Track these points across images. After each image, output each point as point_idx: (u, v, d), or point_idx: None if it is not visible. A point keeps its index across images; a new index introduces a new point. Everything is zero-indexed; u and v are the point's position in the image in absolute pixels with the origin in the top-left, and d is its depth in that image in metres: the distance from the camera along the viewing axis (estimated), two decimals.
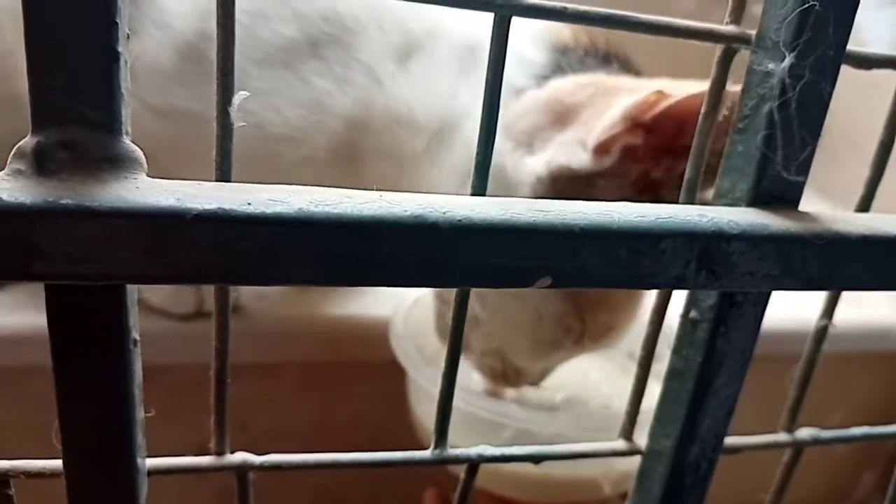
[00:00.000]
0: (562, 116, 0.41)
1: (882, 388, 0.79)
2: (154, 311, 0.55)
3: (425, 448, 0.52)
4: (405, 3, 0.18)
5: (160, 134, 0.45)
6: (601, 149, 0.38)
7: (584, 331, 0.46)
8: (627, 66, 0.46)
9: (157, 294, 0.55)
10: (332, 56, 0.46)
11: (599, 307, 0.45)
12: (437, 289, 0.51)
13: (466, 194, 0.19)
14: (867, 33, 0.77)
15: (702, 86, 0.33)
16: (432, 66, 0.46)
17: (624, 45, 0.47)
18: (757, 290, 0.20)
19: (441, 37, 0.46)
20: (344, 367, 0.60)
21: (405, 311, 0.54)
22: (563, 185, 0.40)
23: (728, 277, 0.18)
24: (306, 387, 0.61)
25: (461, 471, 0.24)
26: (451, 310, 0.22)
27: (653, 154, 0.38)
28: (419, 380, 0.47)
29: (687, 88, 0.34)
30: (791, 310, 0.46)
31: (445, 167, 0.46)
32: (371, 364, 0.50)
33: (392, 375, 0.50)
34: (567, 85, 0.42)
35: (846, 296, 0.81)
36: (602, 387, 0.55)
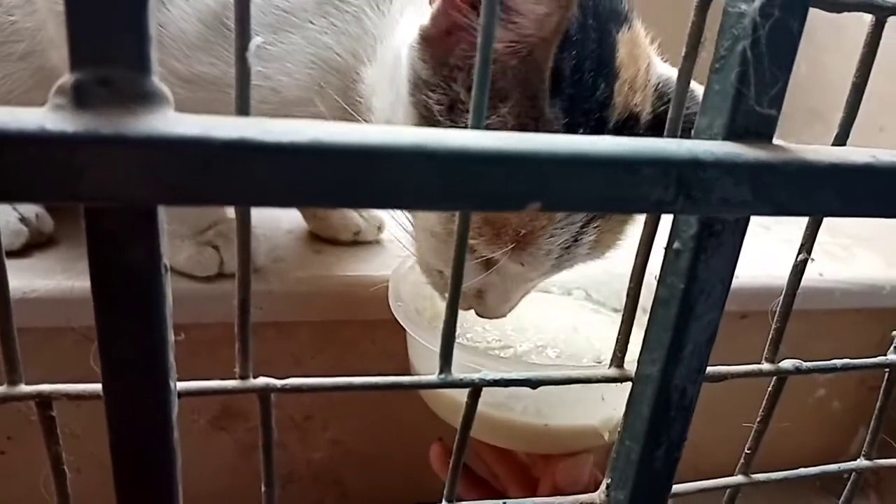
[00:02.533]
0: None
1: (873, 344, 0.80)
2: (176, 273, 0.57)
3: (428, 406, 0.54)
4: None
5: (186, 99, 0.47)
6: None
7: (484, 235, 0.45)
8: None
9: (179, 257, 0.57)
10: (332, 11, 0.48)
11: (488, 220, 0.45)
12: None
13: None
14: None
15: None
16: (400, 4, 0.48)
17: None
18: (733, 215, 0.21)
19: None
20: (356, 326, 0.62)
21: (402, 274, 0.55)
22: (429, 58, 0.43)
23: (705, 202, 0.20)
24: (321, 345, 0.63)
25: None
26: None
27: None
28: (420, 339, 0.48)
29: None
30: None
31: (374, 70, 0.48)
32: (382, 322, 0.52)
33: (401, 333, 0.52)
34: None
35: (837, 253, 0.82)
36: (593, 342, 0.57)
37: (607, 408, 0.49)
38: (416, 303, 0.52)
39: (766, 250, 0.71)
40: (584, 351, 0.56)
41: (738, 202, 0.20)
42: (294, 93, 0.49)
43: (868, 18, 0.24)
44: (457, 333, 0.25)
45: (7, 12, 0.54)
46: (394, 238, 0.71)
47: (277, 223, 0.71)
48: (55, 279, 0.57)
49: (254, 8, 0.50)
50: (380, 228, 0.71)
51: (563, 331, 0.58)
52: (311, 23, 0.48)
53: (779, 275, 0.55)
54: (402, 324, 0.49)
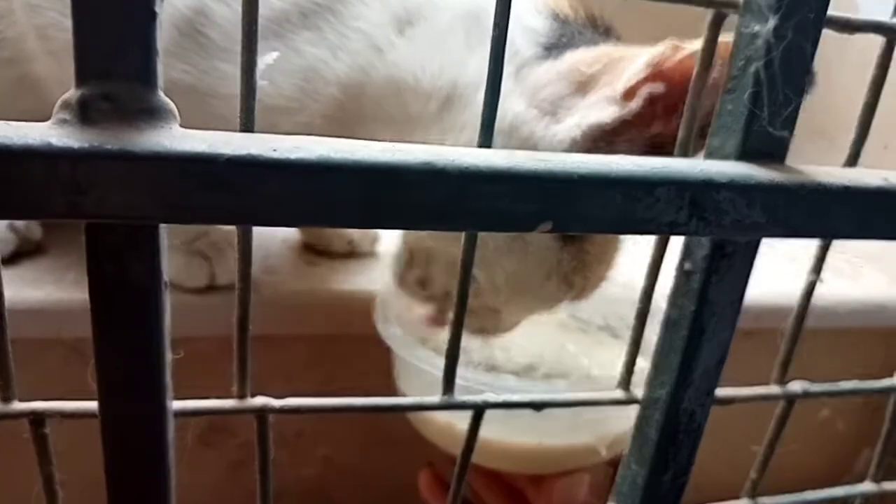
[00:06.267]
0: (583, 85, 0.44)
1: (879, 362, 0.80)
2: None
3: (414, 426, 0.53)
4: None
5: None
6: (628, 94, 0.41)
7: (585, 286, 0.48)
8: (622, 41, 0.48)
9: (170, 268, 0.56)
10: (325, 25, 0.47)
11: (601, 261, 0.48)
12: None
13: None
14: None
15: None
16: (437, 35, 0.47)
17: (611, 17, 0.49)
18: (745, 237, 0.21)
19: (442, 5, 0.48)
20: (350, 340, 0.62)
21: (389, 295, 0.55)
22: (591, 144, 0.43)
23: (718, 224, 0.20)
24: (314, 359, 0.62)
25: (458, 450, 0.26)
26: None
27: (669, 107, 0.40)
28: (411, 359, 0.47)
29: (696, 45, 0.37)
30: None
31: (451, 135, 0.47)
32: (376, 338, 0.51)
33: None
34: (584, 56, 0.44)
35: (843, 271, 0.82)
36: (581, 359, 0.57)
37: (603, 424, 0.48)
38: (402, 325, 0.52)
39: (771, 268, 0.71)
40: (572, 369, 0.56)
41: (750, 224, 0.20)
42: (276, 101, 0.48)
43: (874, 37, 0.24)
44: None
45: None
46: (388, 251, 0.71)
47: (271, 233, 0.70)
48: (45, 289, 0.56)
49: (234, 16, 0.50)
50: (374, 240, 0.71)
51: (549, 349, 0.58)
52: (296, 34, 0.47)
53: (784, 293, 0.55)
54: (389, 344, 0.49)
